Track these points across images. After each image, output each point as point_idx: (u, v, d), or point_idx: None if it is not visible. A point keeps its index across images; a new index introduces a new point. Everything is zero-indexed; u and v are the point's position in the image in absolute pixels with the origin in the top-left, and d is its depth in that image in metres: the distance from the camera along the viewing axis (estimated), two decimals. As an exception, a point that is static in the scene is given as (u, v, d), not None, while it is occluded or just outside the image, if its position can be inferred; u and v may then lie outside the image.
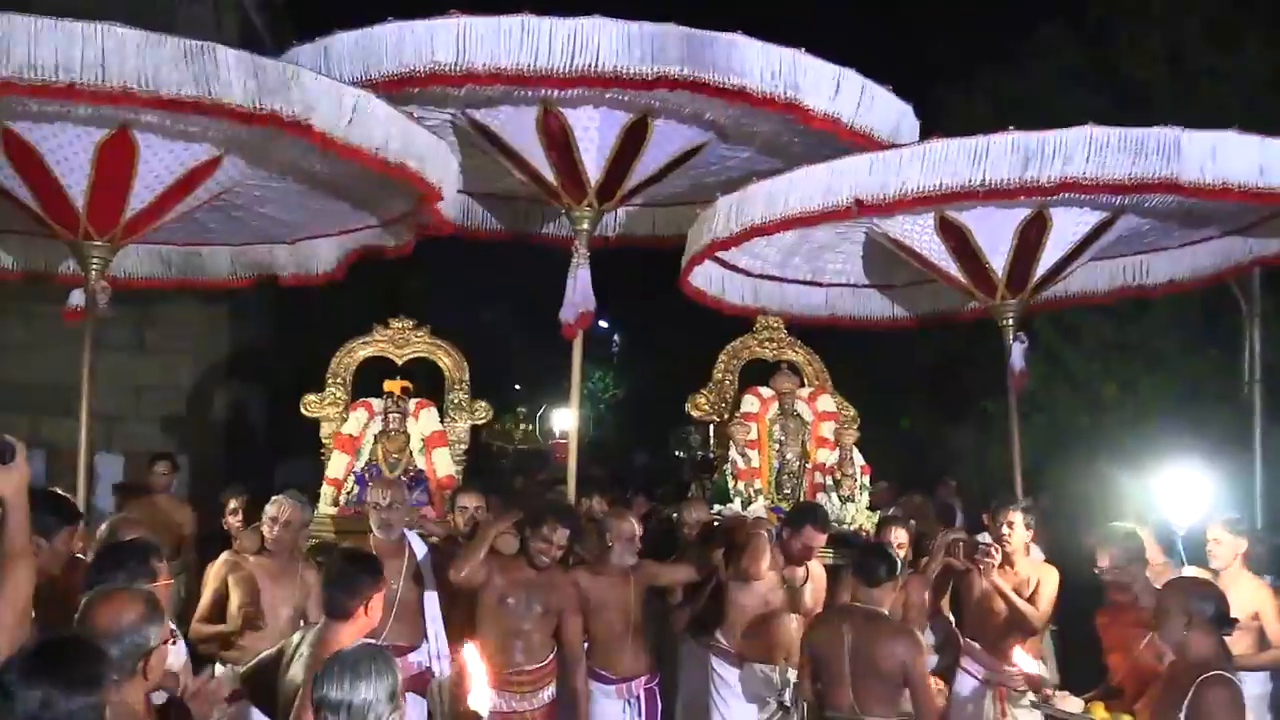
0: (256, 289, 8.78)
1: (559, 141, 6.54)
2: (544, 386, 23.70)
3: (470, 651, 4.02)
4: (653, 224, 8.72)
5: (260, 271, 8.16)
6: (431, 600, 5.52)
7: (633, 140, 6.60)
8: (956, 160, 5.82)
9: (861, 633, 4.64)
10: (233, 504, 6.62)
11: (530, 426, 21.66)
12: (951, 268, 6.74)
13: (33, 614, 2.95)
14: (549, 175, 6.79)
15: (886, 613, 4.77)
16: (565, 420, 21.01)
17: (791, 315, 7.99)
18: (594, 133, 6.50)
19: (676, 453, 17.96)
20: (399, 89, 6.00)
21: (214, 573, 5.56)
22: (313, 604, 5.33)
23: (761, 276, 8.05)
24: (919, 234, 6.65)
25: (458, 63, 5.80)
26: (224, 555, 5.66)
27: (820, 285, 8.28)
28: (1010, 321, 6.87)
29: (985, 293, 6.81)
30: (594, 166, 6.67)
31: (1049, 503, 9.35)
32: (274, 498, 5.65)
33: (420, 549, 5.64)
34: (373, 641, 3.41)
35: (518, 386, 26.20)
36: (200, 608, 5.49)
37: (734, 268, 7.83)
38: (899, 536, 6.08)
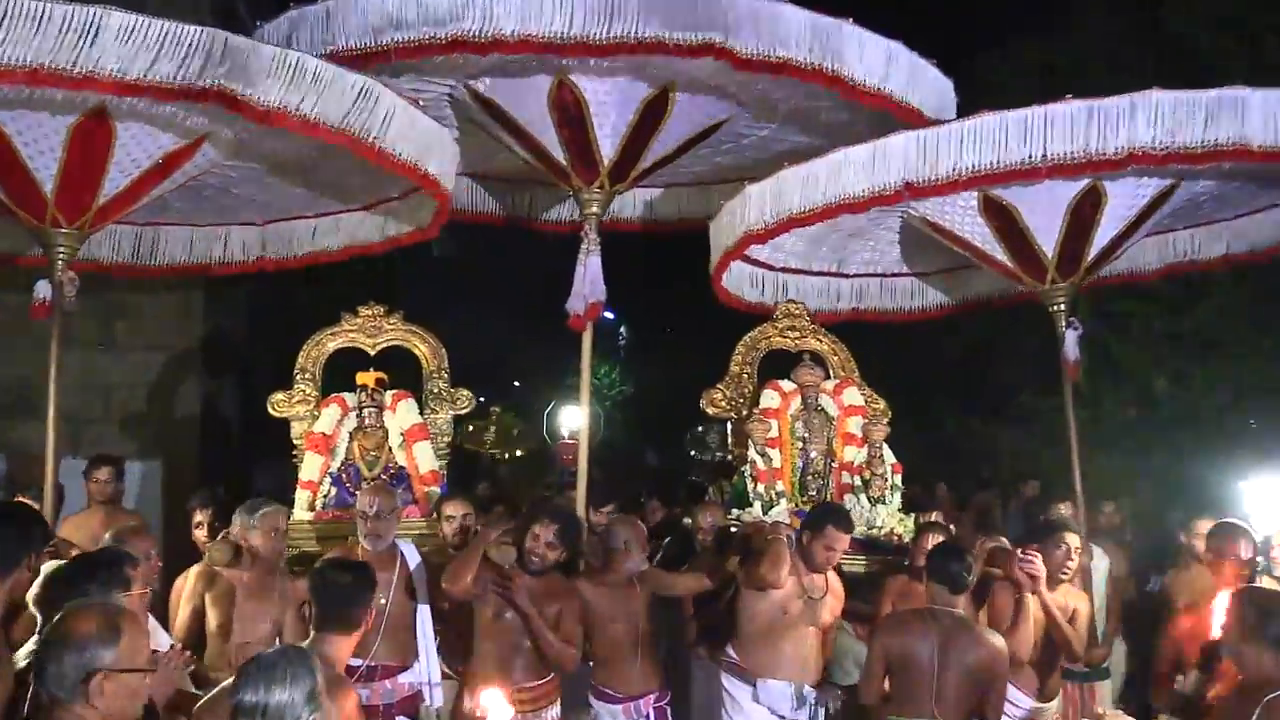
0: (232, 277, 8.73)
1: (572, 116, 6.51)
2: (545, 382, 23.65)
3: (494, 698, 4.05)
4: (678, 207, 8.79)
5: (282, 253, 8.04)
6: (424, 617, 5.53)
7: (651, 115, 6.59)
8: (1014, 135, 5.76)
9: (952, 637, 4.82)
10: (198, 516, 6.50)
11: (516, 430, 21.78)
12: (996, 251, 6.71)
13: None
14: (558, 153, 6.77)
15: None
16: (572, 419, 21.12)
17: (816, 311, 7.98)
18: (610, 107, 6.48)
19: (692, 453, 17.93)
20: (415, 57, 5.95)
21: (188, 589, 5.52)
22: (291, 618, 5.31)
23: (785, 270, 8.05)
24: (960, 216, 6.60)
25: (484, 30, 5.71)
26: (196, 569, 5.62)
27: (846, 276, 8.27)
28: (1061, 306, 6.84)
29: (1034, 276, 6.77)
30: (608, 144, 6.66)
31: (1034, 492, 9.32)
32: (263, 510, 5.62)
33: (413, 560, 5.64)
34: (293, 645, 3.49)
35: (517, 383, 26.19)
36: (177, 630, 5.43)
37: (755, 262, 7.82)
38: (932, 542, 6.00)
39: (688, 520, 7.11)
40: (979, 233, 6.64)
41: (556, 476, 12.73)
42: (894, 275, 8.35)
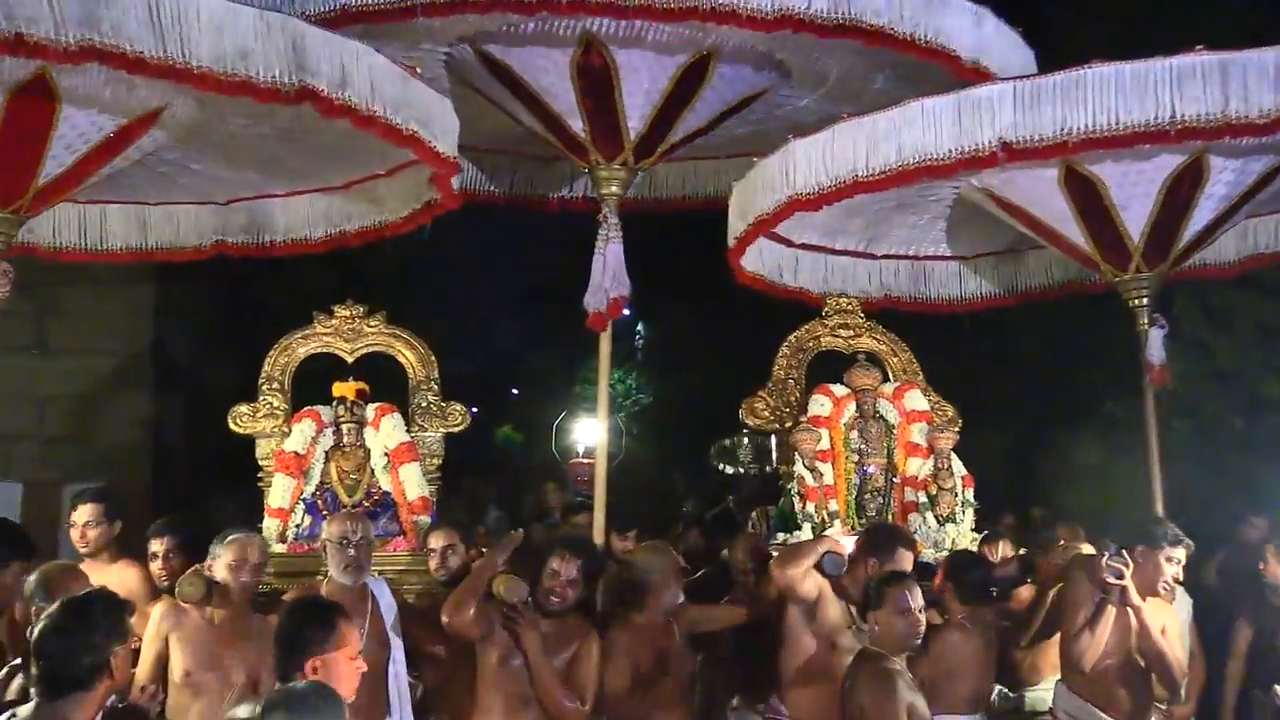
0: (189, 271, 8.72)
1: (598, 84, 6.57)
2: (547, 391, 23.66)
3: None
4: (683, 182, 8.87)
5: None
6: (396, 666, 5.55)
7: (687, 85, 6.65)
8: (1134, 91, 5.70)
9: None
10: (154, 545, 6.42)
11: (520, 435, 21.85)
12: (1074, 232, 6.71)
13: None
14: (577, 125, 6.83)
15: None
16: (586, 433, 21.12)
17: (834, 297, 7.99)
18: (643, 75, 6.54)
19: (720, 466, 17.93)
20: (448, 14, 6.04)
21: (152, 629, 5.49)
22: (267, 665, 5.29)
23: (803, 247, 8.07)
24: (1034, 189, 6.59)
25: None
26: (160, 606, 5.60)
27: (874, 258, 8.31)
28: (1145, 300, 6.85)
29: (1114, 264, 6.78)
30: (637, 115, 6.73)
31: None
32: (231, 537, 5.61)
33: (384, 599, 5.65)
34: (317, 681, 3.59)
35: (515, 390, 26.19)
36: (138, 676, 5.39)
37: (771, 234, 7.77)
38: (1002, 550, 6.31)
39: (725, 553, 7.08)
40: (1055, 210, 6.63)
41: (570, 497, 12.72)
42: (931, 258, 8.41)
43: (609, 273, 6.77)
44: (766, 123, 7.67)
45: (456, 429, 7.05)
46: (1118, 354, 7.97)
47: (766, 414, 7.29)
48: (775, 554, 6.35)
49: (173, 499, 10.37)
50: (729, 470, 17.74)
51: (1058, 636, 5.84)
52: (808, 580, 5.58)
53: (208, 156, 6.99)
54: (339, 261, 10.95)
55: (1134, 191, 6.42)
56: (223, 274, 10.48)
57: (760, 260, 7.87)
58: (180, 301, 11.59)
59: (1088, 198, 6.49)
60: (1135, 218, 6.52)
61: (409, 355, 7.09)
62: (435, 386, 7.02)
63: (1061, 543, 6.43)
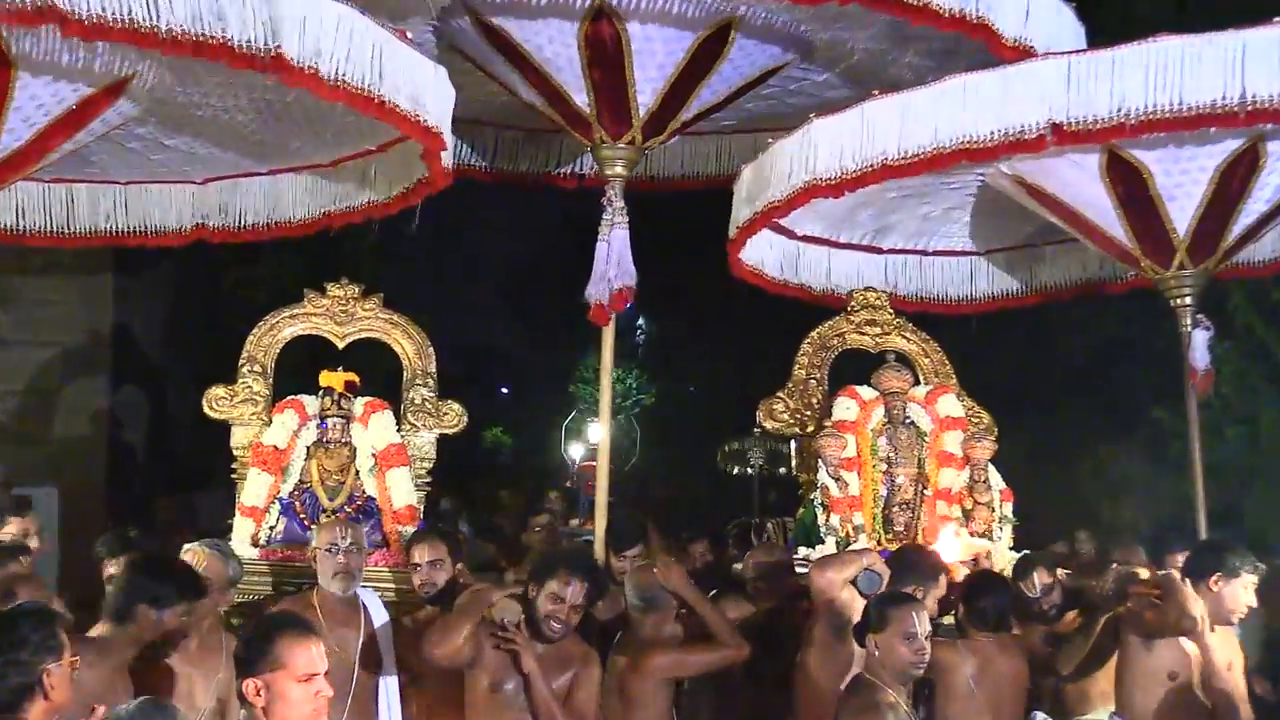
0: (150, 257, 8.72)
1: (607, 56, 6.56)
2: (539, 388, 23.71)
3: None
4: (682, 161, 8.94)
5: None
6: (388, 684, 5.53)
7: (704, 59, 6.63)
8: (1206, 66, 5.66)
9: None
10: (110, 568, 6.34)
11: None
12: (1114, 225, 6.72)
13: None
14: (581, 99, 6.82)
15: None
16: (598, 434, 21.14)
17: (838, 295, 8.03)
18: (657, 47, 6.53)
19: (728, 468, 17.99)
20: None
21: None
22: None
23: (806, 239, 8.08)
24: (1074, 177, 6.60)
25: None
26: None
27: (880, 252, 8.35)
28: (1188, 300, 6.86)
29: (1156, 259, 6.80)
30: (649, 90, 6.71)
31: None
32: (185, 546, 5.57)
33: (377, 611, 5.65)
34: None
35: (505, 389, 26.22)
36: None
37: (773, 225, 7.82)
38: (1040, 581, 6.14)
39: (737, 566, 7.06)
40: (1093, 200, 6.64)
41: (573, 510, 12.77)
42: (940, 253, 8.45)
43: (614, 260, 6.72)
44: (779, 99, 7.70)
45: (452, 430, 7.03)
46: (1165, 355, 7.97)
47: (786, 417, 7.29)
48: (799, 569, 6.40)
49: (130, 502, 10.39)
50: (735, 468, 17.80)
51: (1111, 664, 5.78)
52: (846, 590, 5.52)
53: (183, 132, 6.98)
54: (311, 248, 10.97)
55: (1182, 180, 6.42)
56: (187, 260, 10.46)
57: (760, 253, 7.90)
58: (141, 290, 11.60)
59: (1131, 187, 6.49)
60: (1181, 209, 6.53)
61: (405, 345, 7.05)
62: (432, 381, 6.99)
63: (1114, 565, 6.37)
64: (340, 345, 7.01)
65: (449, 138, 6.33)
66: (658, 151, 8.45)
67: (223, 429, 6.83)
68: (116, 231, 7.99)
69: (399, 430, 6.80)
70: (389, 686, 5.53)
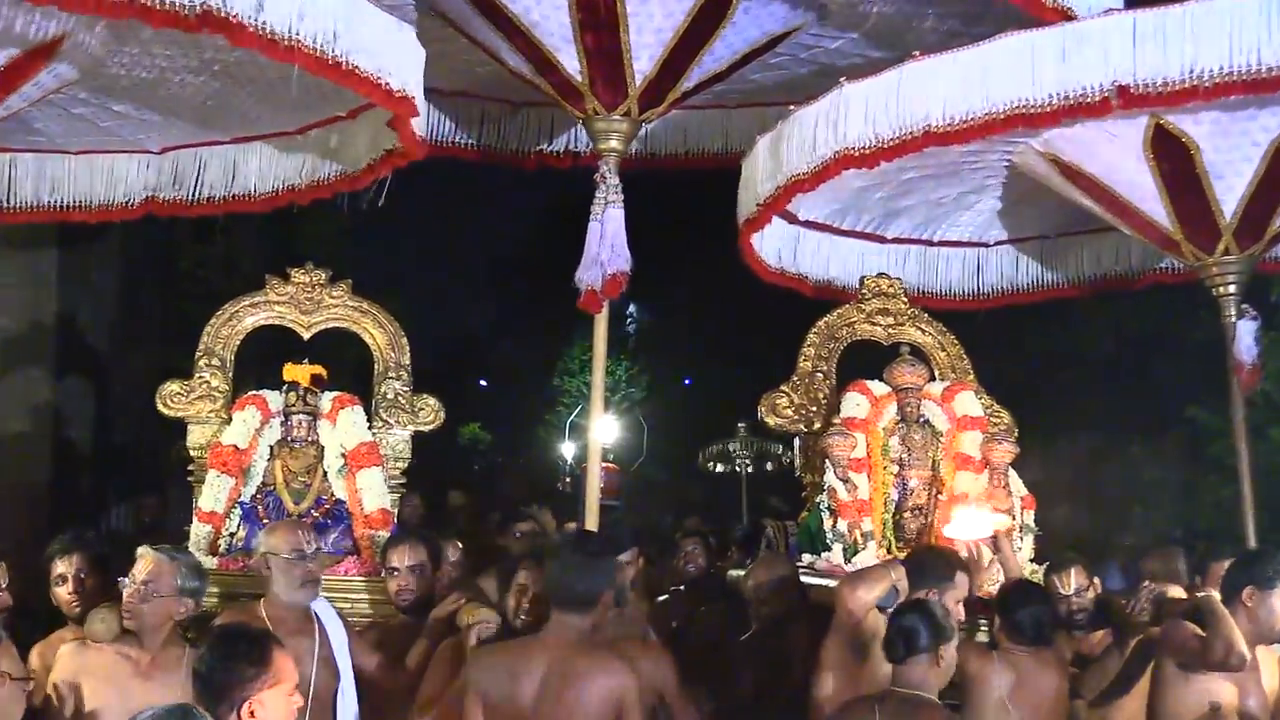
0: (97, 238, 8.71)
1: (601, 18, 6.57)
2: (522, 382, 23.73)
3: None
4: (685, 136, 8.98)
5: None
6: (346, 700, 5.52)
7: (706, 21, 6.64)
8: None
9: None
10: (60, 567, 6.37)
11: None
12: (1155, 206, 6.74)
13: None
14: (573, 68, 6.84)
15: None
16: (605, 431, 21.13)
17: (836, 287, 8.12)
18: (654, 8, 6.55)
19: (713, 467, 18.07)
20: None
21: (57, 670, 5.47)
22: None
23: (807, 225, 8.09)
24: (1113, 152, 6.60)
25: None
26: (67, 645, 5.57)
27: (883, 241, 8.39)
28: (1233, 288, 6.89)
29: (1199, 244, 6.83)
30: (645, 57, 6.74)
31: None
32: (139, 549, 5.57)
33: (330, 621, 5.61)
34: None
35: (484, 382, 26.21)
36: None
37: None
38: (1075, 580, 6.09)
39: (733, 572, 7.10)
40: (1133, 179, 6.65)
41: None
42: (946, 244, 8.52)
43: (607, 243, 6.73)
44: (790, 67, 7.73)
45: (428, 427, 7.07)
46: (1203, 350, 8.01)
47: (790, 412, 7.29)
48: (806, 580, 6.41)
49: (76, 501, 10.39)
50: (720, 468, 17.89)
51: (1139, 690, 5.77)
52: (872, 612, 5.50)
53: (129, 97, 6.98)
54: (271, 229, 10.99)
55: (1232, 157, 6.43)
56: (138, 237, 10.48)
57: (760, 239, 7.90)
58: (88, 270, 11.59)
59: (1175, 162, 6.50)
60: (1229, 189, 6.55)
61: (376, 335, 7.11)
62: (406, 375, 7.03)
63: (1147, 583, 6.34)
64: (306, 336, 7.06)
65: (421, 103, 6.32)
66: (658, 126, 8.52)
67: (178, 424, 6.85)
68: (62, 206, 8.00)
69: (370, 427, 6.82)
70: (347, 700, 5.49)
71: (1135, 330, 13.36)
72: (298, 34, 5.41)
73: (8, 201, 7.95)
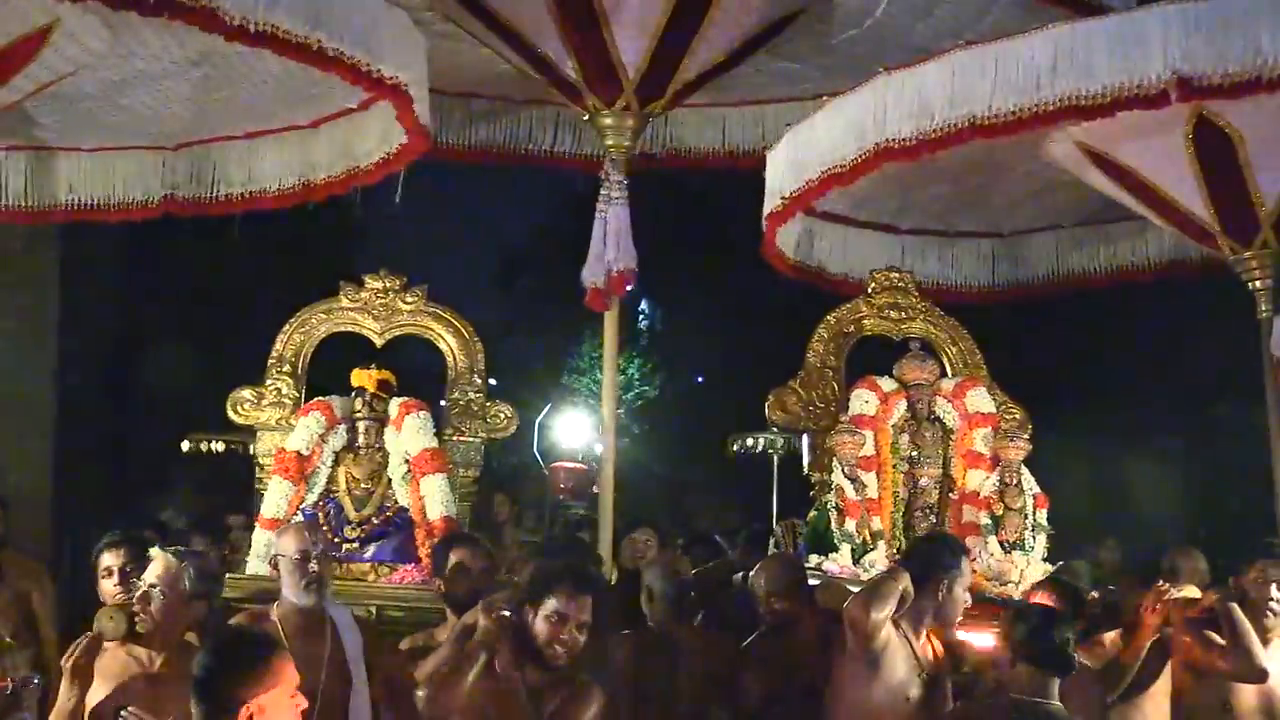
0: (103, 233, 8.76)
1: (580, 15, 6.63)
2: (530, 381, 23.68)
3: None
4: (701, 133, 8.94)
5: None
6: (359, 705, 5.53)
7: (690, 9, 6.65)
8: None
9: None
10: (107, 560, 6.46)
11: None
12: (1192, 197, 6.73)
13: None
14: (567, 65, 6.88)
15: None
16: (573, 431, 21.11)
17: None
18: None
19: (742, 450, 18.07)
20: None
21: (72, 666, 5.54)
22: None
23: (824, 216, 8.14)
24: (1151, 144, 6.61)
25: None
26: (83, 641, 5.66)
27: (898, 232, 8.42)
28: (1267, 281, 6.90)
29: (1236, 236, 6.82)
30: (632, 49, 6.76)
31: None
32: (152, 551, 5.62)
33: (346, 626, 5.64)
34: None
35: (493, 381, 26.19)
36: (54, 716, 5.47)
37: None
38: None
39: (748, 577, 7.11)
40: (1170, 170, 6.64)
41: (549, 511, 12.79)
42: (963, 235, 8.56)
43: (612, 241, 6.82)
44: (806, 58, 7.79)
45: (501, 434, 7.15)
46: (1231, 346, 7.96)
47: (798, 409, 7.29)
48: (820, 586, 6.35)
49: (80, 505, 10.45)
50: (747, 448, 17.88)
51: (1157, 689, 5.81)
52: (885, 627, 5.38)
53: (137, 89, 7.01)
54: (279, 224, 11.03)
55: (1276, 147, 6.40)
56: (139, 237, 10.53)
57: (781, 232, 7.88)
58: (89, 270, 11.62)
59: (1216, 154, 6.46)
60: (1272, 181, 6.55)
61: (450, 340, 7.15)
62: (479, 381, 7.07)
63: (1163, 583, 6.31)
64: (379, 343, 7.13)
65: (423, 91, 6.34)
66: (679, 124, 8.61)
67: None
68: (78, 205, 8.02)
69: (438, 435, 6.85)
70: (358, 704, 5.48)
71: (1154, 326, 13.32)
72: (270, 20, 5.38)
73: (26, 201, 8.00)
